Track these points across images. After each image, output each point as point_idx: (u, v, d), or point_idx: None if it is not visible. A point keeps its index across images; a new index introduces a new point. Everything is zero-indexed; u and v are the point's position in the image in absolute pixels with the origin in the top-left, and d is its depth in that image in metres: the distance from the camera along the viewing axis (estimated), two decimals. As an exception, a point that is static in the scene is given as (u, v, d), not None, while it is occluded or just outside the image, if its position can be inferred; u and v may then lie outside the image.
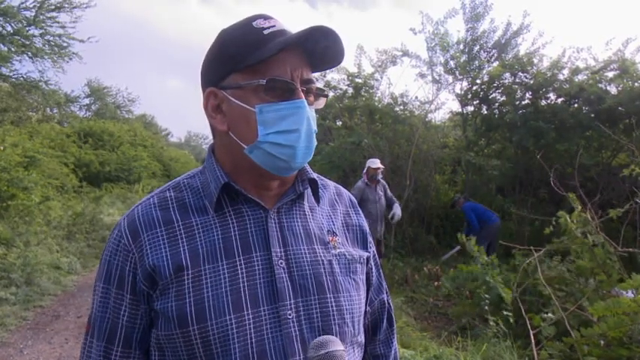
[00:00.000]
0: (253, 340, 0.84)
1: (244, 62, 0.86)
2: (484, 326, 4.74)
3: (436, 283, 7.10)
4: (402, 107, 10.49)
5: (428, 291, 6.93)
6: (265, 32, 0.86)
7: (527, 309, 4.55)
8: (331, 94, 11.11)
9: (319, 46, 0.87)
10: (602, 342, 3.50)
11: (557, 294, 4.53)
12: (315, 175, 1.01)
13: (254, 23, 0.88)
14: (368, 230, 1.11)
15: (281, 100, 0.86)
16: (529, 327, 3.97)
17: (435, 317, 6.08)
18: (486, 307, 4.83)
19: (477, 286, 5.25)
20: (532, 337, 3.85)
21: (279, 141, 0.85)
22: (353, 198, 1.14)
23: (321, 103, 0.94)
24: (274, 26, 0.88)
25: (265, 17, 0.90)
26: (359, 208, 1.13)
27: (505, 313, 4.65)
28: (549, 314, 4.20)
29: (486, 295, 4.91)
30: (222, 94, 0.89)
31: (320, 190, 1.03)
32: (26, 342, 4.62)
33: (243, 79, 0.86)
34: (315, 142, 0.91)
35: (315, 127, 0.89)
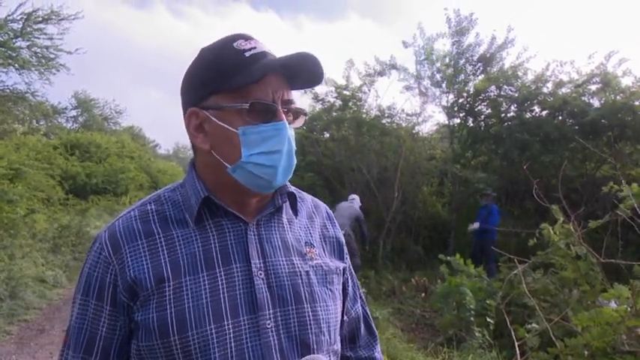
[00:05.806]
0: (233, 349, 0.85)
1: (226, 85, 0.87)
2: (470, 337, 4.77)
3: (423, 295, 7.12)
4: (389, 119, 10.60)
5: (415, 302, 6.95)
6: (247, 54, 0.88)
7: (512, 320, 4.58)
8: (319, 106, 11.19)
9: (300, 71, 0.90)
10: (586, 352, 3.53)
11: (542, 305, 4.57)
12: (293, 189, 1.04)
13: (235, 44, 0.89)
14: (344, 242, 1.14)
15: (263, 121, 0.87)
16: (514, 338, 4.00)
17: (422, 328, 6.11)
18: (472, 318, 4.86)
19: (462, 297, 5.29)
20: (517, 347, 3.87)
21: (261, 161, 0.87)
22: (330, 211, 1.17)
23: (300, 121, 0.96)
24: (255, 47, 0.89)
25: (246, 38, 0.91)
26: (335, 221, 1.15)
27: (488, 320, 4.69)
28: (534, 325, 4.24)
29: (471, 306, 4.94)
30: (203, 114, 0.91)
31: (298, 203, 1.06)
32: (10, 357, 4.55)
33: (226, 101, 0.88)
34: (295, 160, 0.93)
35: (294, 146, 0.92)
